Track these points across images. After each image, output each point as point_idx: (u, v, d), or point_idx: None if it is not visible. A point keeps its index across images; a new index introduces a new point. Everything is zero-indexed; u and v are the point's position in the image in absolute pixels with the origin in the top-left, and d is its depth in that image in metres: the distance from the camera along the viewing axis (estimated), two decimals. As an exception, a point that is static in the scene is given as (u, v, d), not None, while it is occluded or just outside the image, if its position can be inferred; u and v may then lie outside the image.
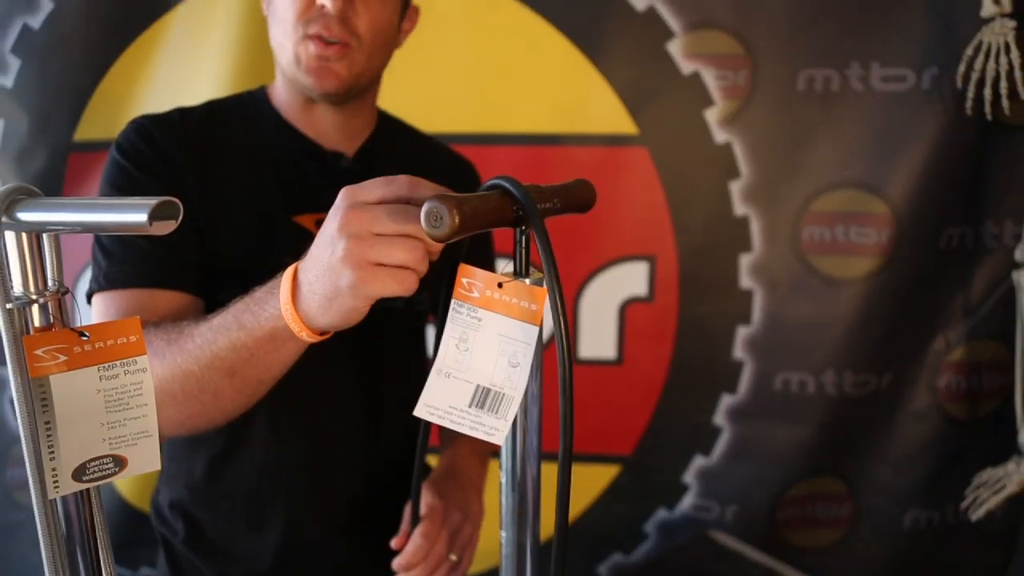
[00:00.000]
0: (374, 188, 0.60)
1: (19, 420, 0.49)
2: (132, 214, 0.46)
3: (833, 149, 1.40)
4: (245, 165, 0.87)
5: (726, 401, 1.47)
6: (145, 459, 0.54)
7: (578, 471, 1.51)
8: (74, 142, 1.50)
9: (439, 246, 0.61)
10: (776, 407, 1.45)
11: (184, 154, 0.84)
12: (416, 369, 1.01)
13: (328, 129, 0.90)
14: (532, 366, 0.63)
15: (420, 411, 0.62)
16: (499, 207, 0.58)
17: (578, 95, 1.40)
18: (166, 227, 0.46)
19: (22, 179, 1.50)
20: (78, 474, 0.51)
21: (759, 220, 1.41)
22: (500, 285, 0.62)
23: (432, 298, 0.98)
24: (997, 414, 1.48)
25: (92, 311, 0.82)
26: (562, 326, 0.58)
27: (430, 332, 1.05)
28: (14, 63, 1.45)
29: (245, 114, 0.90)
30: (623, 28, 1.37)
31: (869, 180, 1.40)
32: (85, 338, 0.49)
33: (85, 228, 0.49)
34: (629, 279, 1.44)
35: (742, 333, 1.44)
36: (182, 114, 0.89)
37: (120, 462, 0.53)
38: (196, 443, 0.90)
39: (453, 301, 0.63)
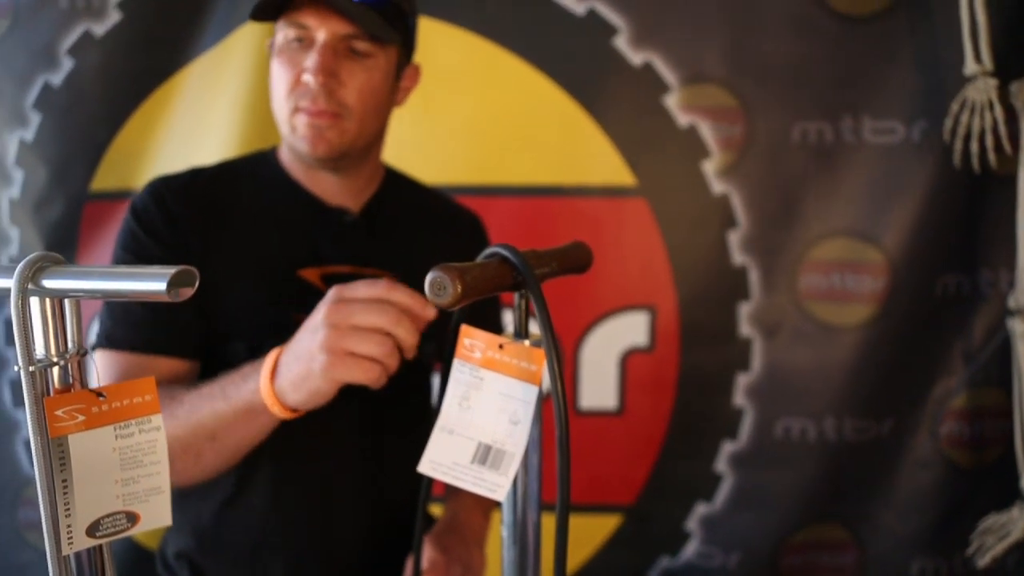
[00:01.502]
0: (359, 288, 0.68)
1: (37, 478, 0.50)
2: (151, 283, 0.49)
3: (828, 199, 1.43)
4: (252, 223, 0.91)
5: (727, 448, 1.47)
6: (157, 515, 0.56)
7: (580, 521, 1.50)
8: (90, 192, 1.54)
9: (412, 342, 0.70)
10: (777, 453, 1.45)
11: (192, 216, 0.88)
12: (420, 418, 1.02)
13: (332, 188, 0.93)
14: (532, 423, 0.65)
15: (424, 467, 0.64)
16: (499, 274, 0.61)
17: (577, 147, 1.44)
18: (184, 294, 0.49)
19: (40, 227, 1.54)
20: (92, 530, 0.53)
21: (757, 269, 1.44)
22: (501, 346, 0.64)
23: (438, 348, 1.00)
24: (1000, 460, 1.48)
25: (96, 364, 0.85)
26: (559, 388, 0.61)
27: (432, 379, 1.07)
28: (35, 118, 1.50)
29: (254, 173, 0.94)
30: (620, 82, 1.42)
31: (864, 229, 1.43)
32: (102, 398, 0.52)
33: (105, 295, 0.51)
34: (629, 329, 1.47)
35: (742, 380, 1.46)
36: (194, 176, 0.93)
37: (133, 518, 0.55)
38: (204, 491, 0.92)
39: (456, 361, 0.65)
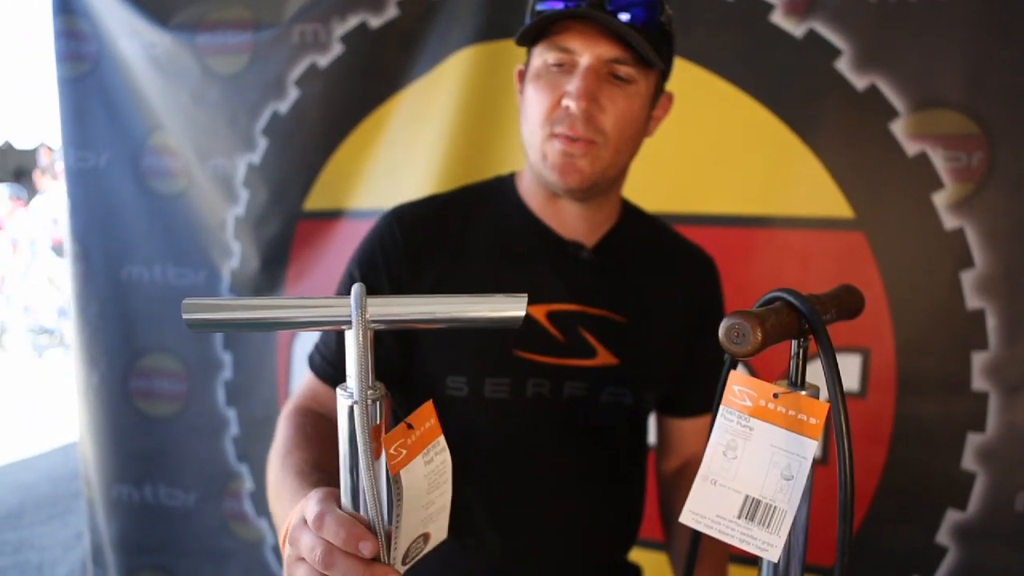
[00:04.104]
0: (309, 506, 0.55)
1: (376, 517, 0.48)
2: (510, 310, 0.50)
3: (1091, 239, 1.23)
4: (484, 254, 0.89)
5: (952, 518, 1.30)
6: (440, 531, 0.55)
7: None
8: (303, 211, 1.67)
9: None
10: (1017, 530, 1.26)
11: (430, 248, 0.88)
12: (635, 462, 0.98)
13: (571, 220, 0.90)
14: (808, 480, 0.59)
15: (686, 518, 0.60)
16: (788, 321, 0.56)
17: (790, 176, 1.35)
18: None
19: (258, 242, 1.69)
20: (403, 559, 0.52)
21: (997, 315, 1.27)
22: (776, 395, 0.59)
23: (659, 396, 0.96)
24: None
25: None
26: (846, 445, 0.56)
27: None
28: (262, 143, 1.65)
29: (491, 201, 0.93)
30: (840, 108, 1.32)
31: None
32: (411, 428, 0.51)
33: (457, 322, 0.51)
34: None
35: (973, 441, 1.28)
36: (434, 204, 0.94)
37: (427, 539, 0.54)
38: None
39: (723, 408, 0.61)
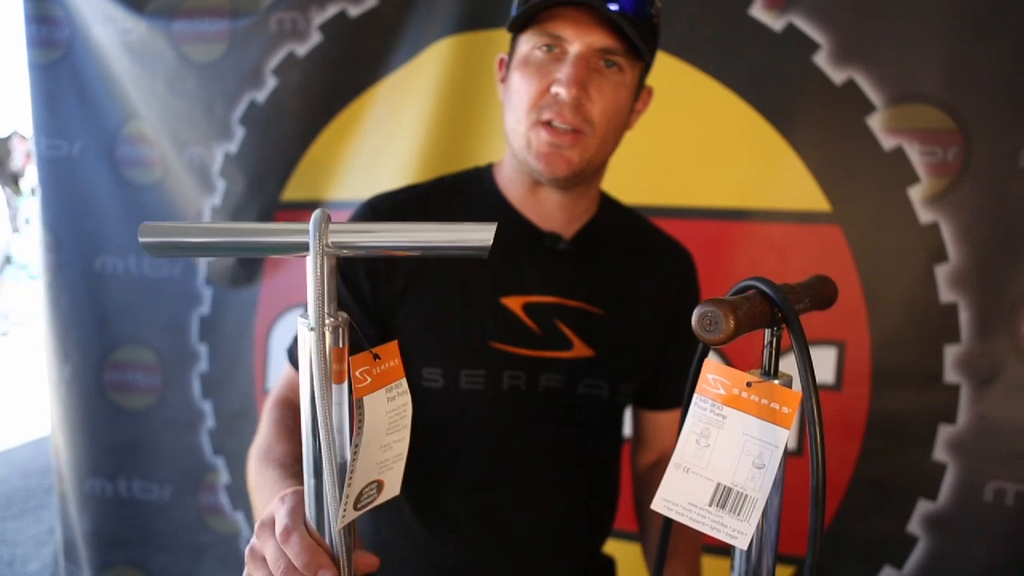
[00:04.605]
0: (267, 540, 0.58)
1: (325, 441, 0.45)
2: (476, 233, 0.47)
3: (1062, 234, 1.25)
4: None
5: (923, 508, 1.32)
6: (393, 484, 0.52)
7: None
8: (281, 202, 1.65)
9: None
10: (986, 520, 1.28)
11: None
12: (611, 453, 0.98)
13: (550, 211, 0.89)
14: (779, 469, 0.60)
15: (658, 505, 0.61)
16: (761, 310, 0.56)
17: (767, 170, 1.36)
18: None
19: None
20: (355, 502, 0.50)
21: (970, 308, 1.28)
22: (749, 384, 0.60)
23: (635, 389, 0.96)
24: None
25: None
26: (818, 433, 0.56)
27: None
28: (239, 132, 1.63)
29: (469, 192, 0.92)
30: (818, 102, 1.33)
31: (1106, 270, 1.24)
32: (378, 359, 0.49)
33: (422, 250, 0.48)
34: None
35: (945, 432, 1.30)
36: (410, 194, 0.93)
37: (380, 487, 0.51)
38: (389, 514, 0.92)
39: (696, 396, 0.61)
